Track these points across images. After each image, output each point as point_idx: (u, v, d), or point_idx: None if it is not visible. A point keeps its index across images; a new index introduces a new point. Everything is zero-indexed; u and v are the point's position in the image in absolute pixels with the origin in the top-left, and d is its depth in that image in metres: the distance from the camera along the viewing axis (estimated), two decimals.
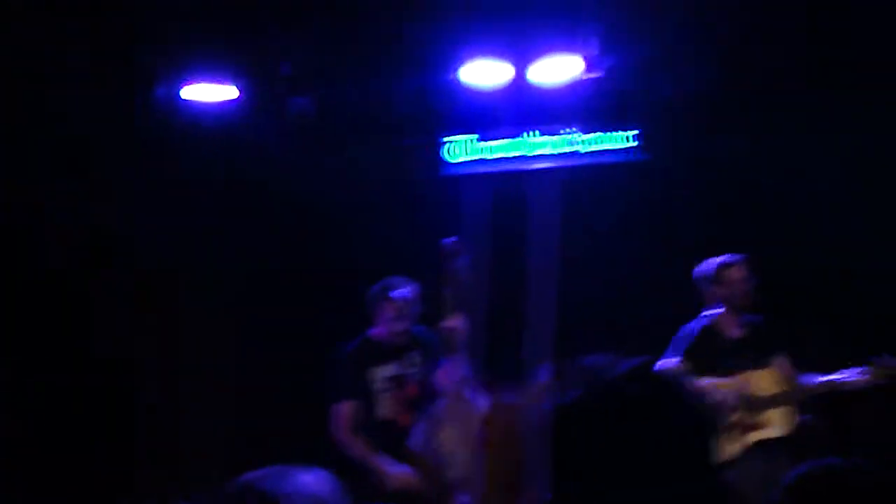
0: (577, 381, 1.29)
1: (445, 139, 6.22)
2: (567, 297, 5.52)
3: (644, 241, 5.95)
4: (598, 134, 6.33)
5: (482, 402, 4.40)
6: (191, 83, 5.69)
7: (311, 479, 1.37)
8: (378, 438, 4.75)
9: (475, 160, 6.21)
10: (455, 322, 4.46)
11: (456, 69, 5.98)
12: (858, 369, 4.61)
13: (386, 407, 4.81)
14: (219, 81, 5.75)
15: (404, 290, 4.82)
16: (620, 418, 1.25)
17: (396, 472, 4.65)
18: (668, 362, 4.59)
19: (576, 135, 6.34)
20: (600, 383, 1.29)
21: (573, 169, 6.23)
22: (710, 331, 4.71)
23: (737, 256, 4.81)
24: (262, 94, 5.87)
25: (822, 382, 4.64)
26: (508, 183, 6.13)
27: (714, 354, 4.60)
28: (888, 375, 4.55)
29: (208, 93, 5.73)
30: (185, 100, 5.70)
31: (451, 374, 4.51)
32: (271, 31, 5.65)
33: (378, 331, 4.89)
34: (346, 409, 4.79)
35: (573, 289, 5.55)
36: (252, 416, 5.44)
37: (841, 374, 4.65)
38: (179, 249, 5.79)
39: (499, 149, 6.26)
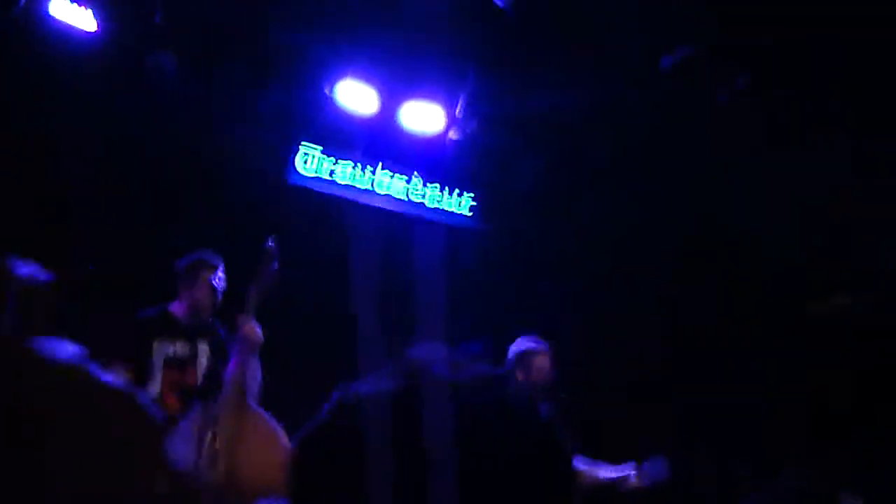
0: (401, 371, 1.16)
1: (299, 148, 6.13)
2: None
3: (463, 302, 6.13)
4: (438, 189, 6.50)
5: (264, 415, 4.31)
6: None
7: None
8: None
9: (322, 178, 6.17)
10: (250, 329, 4.29)
11: (329, 84, 5.98)
12: (629, 467, 4.93)
13: (156, 384, 4.48)
14: (85, 4, 5.37)
15: (219, 272, 4.60)
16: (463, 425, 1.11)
17: None
18: None
19: (419, 183, 6.48)
20: (432, 378, 1.14)
21: (411, 217, 6.34)
22: None
23: (541, 344, 4.98)
24: (127, 35, 5.52)
25: (599, 480, 4.90)
26: (348, 209, 6.14)
27: None
28: (649, 482, 4.89)
29: (73, 15, 5.33)
30: (49, 17, 5.26)
31: (233, 380, 4.34)
32: None
33: (178, 306, 4.62)
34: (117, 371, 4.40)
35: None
36: None
37: (613, 470, 4.96)
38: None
39: (346, 173, 6.27)
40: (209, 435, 4.20)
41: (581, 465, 4.91)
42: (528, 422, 1.16)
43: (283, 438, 4.30)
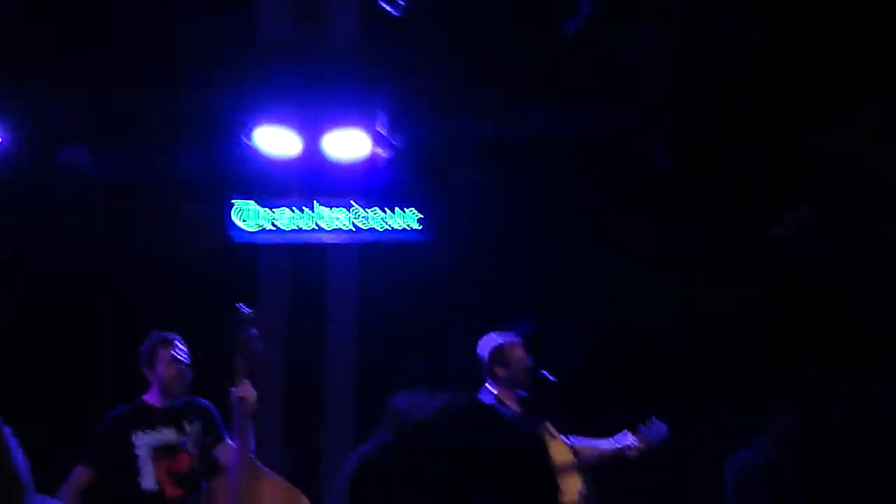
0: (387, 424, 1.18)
1: (234, 204, 6.02)
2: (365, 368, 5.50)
3: (430, 315, 6.08)
4: (380, 211, 6.44)
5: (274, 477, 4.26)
6: None
7: None
8: None
9: (265, 229, 6.06)
10: (245, 390, 4.27)
11: (246, 134, 5.87)
12: (628, 435, 4.97)
13: (150, 477, 4.43)
14: None
15: (178, 345, 4.55)
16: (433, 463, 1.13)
17: None
18: None
19: (360, 210, 6.40)
20: (410, 424, 1.15)
21: (361, 245, 6.27)
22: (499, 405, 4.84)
23: (511, 336, 4.95)
24: (34, 137, 5.38)
25: (602, 452, 4.92)
26: (299, 253, 6.05)
27: None
28: (652, 443, 4.93)
29: None
30: None
31: (240, 448, 4.28)
32: (52, 72, 5.24)
33: (151, 395, 4.57)
34: (78, 474, 4.40)
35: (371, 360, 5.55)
36: None
37: (612, 439, 4.98)
38: None
39: (286, 218, 6.17)
40: None
41: (579, 442, 4.92)
42: (523, 447, 1.21)
43: (302, 497, 4.26)
